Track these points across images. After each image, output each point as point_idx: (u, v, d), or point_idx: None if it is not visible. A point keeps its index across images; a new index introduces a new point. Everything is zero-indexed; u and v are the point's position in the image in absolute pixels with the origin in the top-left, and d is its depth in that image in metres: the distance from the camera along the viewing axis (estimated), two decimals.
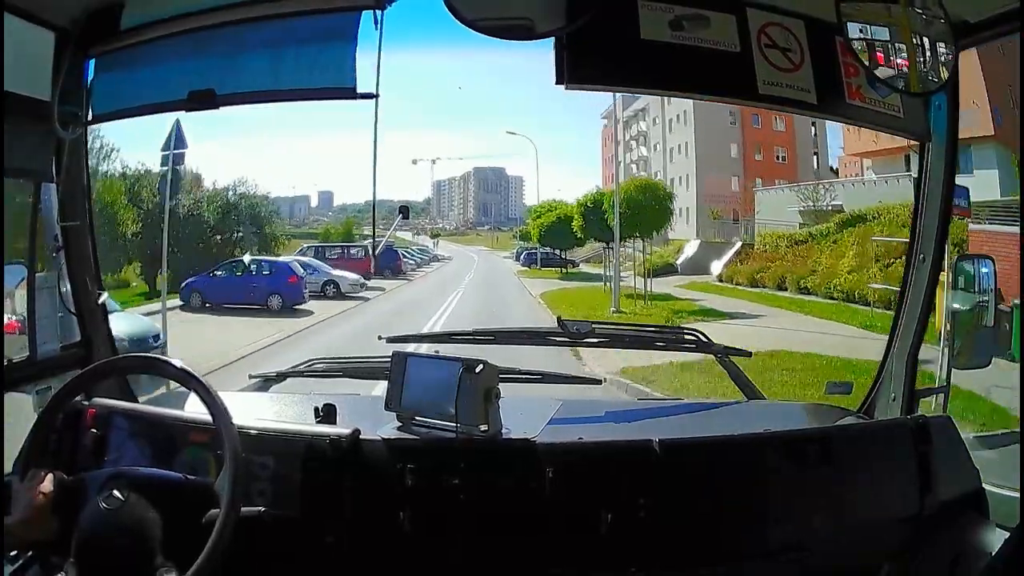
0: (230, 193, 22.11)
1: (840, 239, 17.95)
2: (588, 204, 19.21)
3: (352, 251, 23.00)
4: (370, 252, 21.75)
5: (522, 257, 29.72)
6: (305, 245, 24.06)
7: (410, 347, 1.64)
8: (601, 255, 29.53)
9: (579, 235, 20.15)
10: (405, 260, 25.45)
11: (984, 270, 1.69)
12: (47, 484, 1.20)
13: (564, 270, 26.14)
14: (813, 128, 27.18)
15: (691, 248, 23.67)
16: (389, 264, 22.95)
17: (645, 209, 16.36)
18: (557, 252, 26.64)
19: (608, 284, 17.82)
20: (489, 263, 33.03)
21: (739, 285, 19.20)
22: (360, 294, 17.79)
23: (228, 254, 18.80)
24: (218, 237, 20.29)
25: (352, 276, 18.26)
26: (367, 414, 1.50)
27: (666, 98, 22.05)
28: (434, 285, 21.58)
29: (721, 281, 20.04)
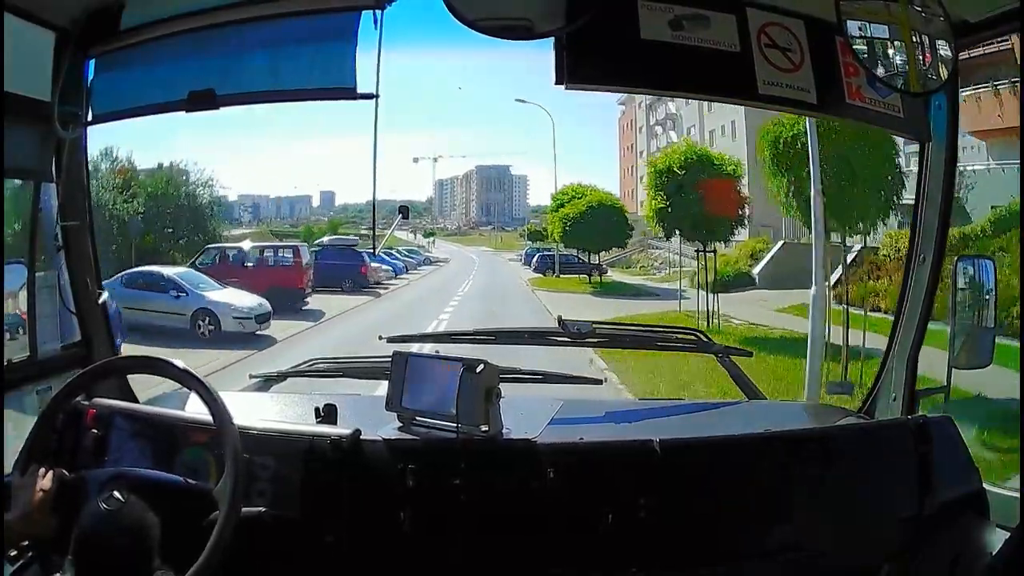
0: (168, 184, 17.64)
1: (1007, 244, 10.96)
2: (676, 169, 10.96)
3: (279, 254, 14.65)
4: (303, 255, 14.50)
5: (534, 261, 23.20)
6: (215, 246, 16.01)
7: (411, 347, 1.64)
8: (627, 258, 23.24)
9: (659, 226, 11.97)
10: (380, 266, 18.47)
11: (984, 270, 1.69)
12: (47, 480, 1.20)
13: (596, 278, 19.40)
14: None
15: (772, 253, 16.62)
16: (346, 271, 16.00)
17: (853, 168, 7.61)
18: (578, 255, 20.42)
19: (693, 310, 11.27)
20: (492, 267, 27.21)
21: (878, 311, 10.93)
22: (264, 331, 10.82)
23: (170, 259, 14.38)
24: (147, 237, 15.62)
25: (244, 303, 10.97)
26: (368, 414, 1.50)
27: None
28: (410, 304, 15.23)
29: (841, 303, 10.94)
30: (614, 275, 21.00)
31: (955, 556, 1.44)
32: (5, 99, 1.40)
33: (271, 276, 13.28)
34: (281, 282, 12.97)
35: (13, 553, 1.20)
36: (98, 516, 1.18)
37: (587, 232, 17.03)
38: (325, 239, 20.50)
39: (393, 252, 23.26)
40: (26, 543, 1.20)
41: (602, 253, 20.26)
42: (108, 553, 1.17)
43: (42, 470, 1.22)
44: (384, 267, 19.62)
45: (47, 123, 1.61)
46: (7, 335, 1.65)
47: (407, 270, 22.99)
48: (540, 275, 21.36)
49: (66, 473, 1.24)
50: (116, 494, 1.19)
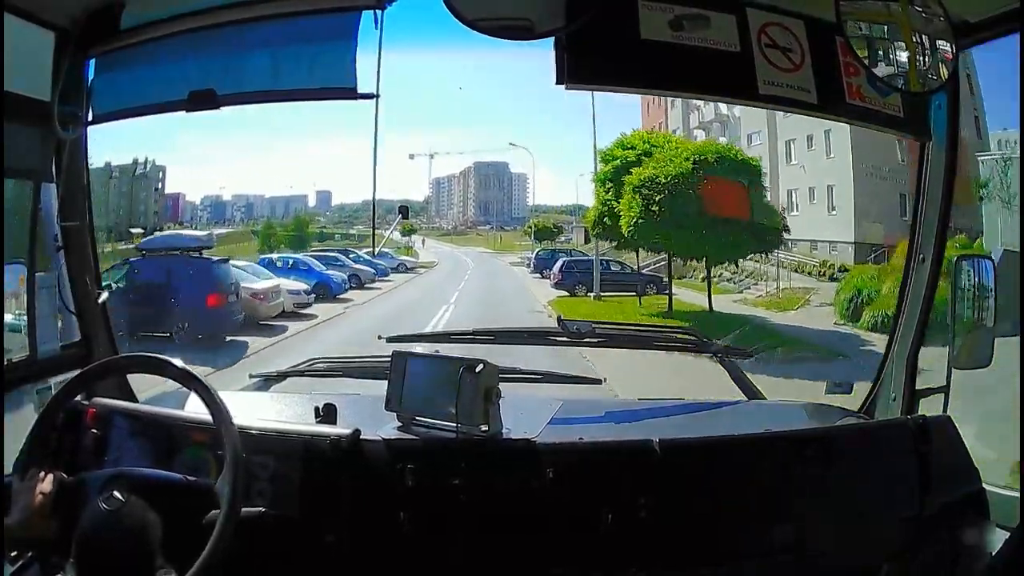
0: None
1: None
2: None
3: None
4: None
5: (557, 271, 14.55)
6: None
7: (411, 347, 1.64)
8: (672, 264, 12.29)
9: None
10: (279, 286, 10.95)
11: (984, 270, 1.69)
12: (47, 484, 1.20)
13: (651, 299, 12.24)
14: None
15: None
16: (178, 304, 8.82)
17: None
18: (621, 261, 13.89)
19: None
20: (491, 276, 19.03)
21: None
22: None
23: None
24: None
25: None
26: (367, 414, 1.50)
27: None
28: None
29: None
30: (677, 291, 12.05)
31: (955, 556, 1.44)
32: (5, 99, 1.40)
33: None
34: None
35: (13, 553, 1.20)
36: (99, 517, 1.18)
37: (705, 221, 8.51)
38: (169, 235, 12.24)
39: (339, 257, 15.51)
40: (26, 547, 1.20)
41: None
42: (109, 554, 1.17)
43: (41, 473, 1.22)
44: (296, 287, 11.51)
45: (47, 123, 1.61)
46: (7, 335, 1.65)
47: (359, 284, 14.78)
48: (566, 294, 13.30)
49: (65, 476, 1.24)
50: (116, 494, 1.19)
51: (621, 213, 10.12)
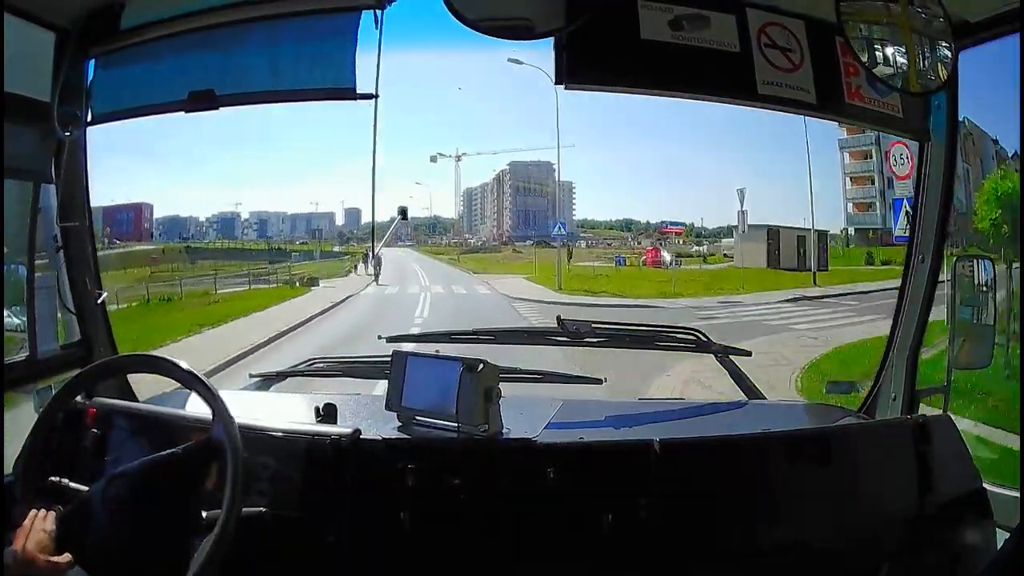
0: None
1: None
2: None
3: None
4: None
5: None
6: None
7: (411, 347, 1.64)
8: None
9: None
10: None
11: (984, 270, 1.69)
12: (48, 522, 1.17)
13: None
14: None
15: None
16: None
17: None
18: None
19: None
20: None
21: None
22: None
23: None
24: None
25: None
26: (368, 414, 1.50)
27: None
28: None
29: None
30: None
31: (955, 556, 1.44)
32: (5, 99, 1.40)
33: None
34: None
35: None
36: (107, 526, 1.17)
37: None
38: None
39: None
40: None
41: None
42: (121, 556, 1.16)
43: (41, 512, 1.18)
44: None
45: (47, 123, 1.61)
46: (7, 335, 1.65)
47: None
48: None
49: (62, 508, 1.21)
50: (118, 494, 1.19)
51: None
